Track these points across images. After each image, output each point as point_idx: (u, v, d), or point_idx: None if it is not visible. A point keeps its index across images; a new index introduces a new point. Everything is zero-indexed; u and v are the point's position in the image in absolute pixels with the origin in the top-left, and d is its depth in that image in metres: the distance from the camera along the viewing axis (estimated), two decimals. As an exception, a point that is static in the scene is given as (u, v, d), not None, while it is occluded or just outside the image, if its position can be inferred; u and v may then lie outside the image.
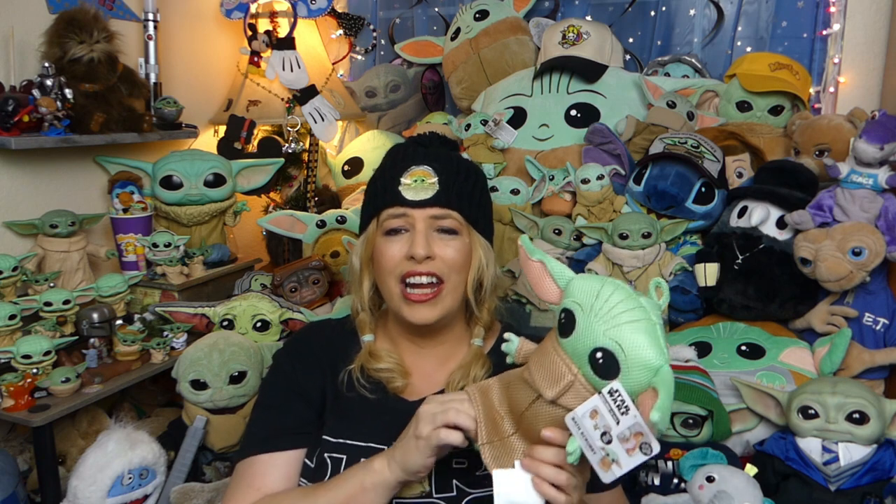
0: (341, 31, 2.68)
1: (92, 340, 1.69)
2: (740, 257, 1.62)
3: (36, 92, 1.78)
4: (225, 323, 1.81)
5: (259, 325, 1.80)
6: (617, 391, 0.75)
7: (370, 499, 0.93)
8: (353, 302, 1.15)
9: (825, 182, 1.65)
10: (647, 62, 2.32)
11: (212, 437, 1.62)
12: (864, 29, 2.07)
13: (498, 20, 2.33)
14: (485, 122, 2.09)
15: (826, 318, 1.55)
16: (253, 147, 2.43)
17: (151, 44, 2.26)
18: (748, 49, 2.22)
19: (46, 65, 1.80)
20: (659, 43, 2.33)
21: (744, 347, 1.54)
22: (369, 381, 1.08)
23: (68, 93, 1.82)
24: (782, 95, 1.95)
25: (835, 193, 1.55)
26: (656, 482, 1.32)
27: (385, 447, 1.02)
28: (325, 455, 1.05)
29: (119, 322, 1.74)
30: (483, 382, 0.92)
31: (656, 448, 0.75)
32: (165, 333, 1.78)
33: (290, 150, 2.45)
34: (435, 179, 1.05)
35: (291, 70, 2.42)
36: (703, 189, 1.75)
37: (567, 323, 0.80)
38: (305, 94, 2.43)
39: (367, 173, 2.43)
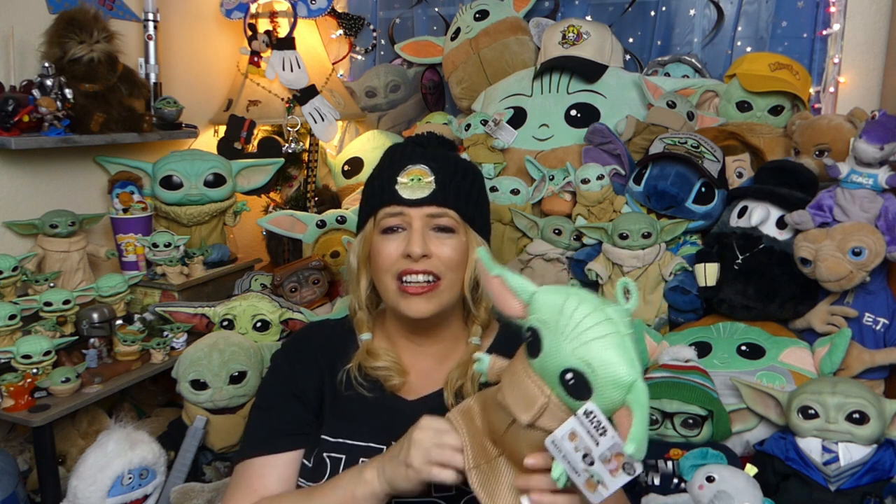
0: (341, 31, 2.68)
1: (92, 340, 1.69)
2: (740, 257, 1.62)
3: (36, 92, 1.78)
4: (225, 323, 1.81)
5: (259, 325, 1.80)
6: (592, 412, 0.72)
7: None
8: (351, 301, 1.15)
9: (825, 182, 1.65)
10: (647, 62, 2.32)
11: (212, 437, 1.62)
12: (864, 29, 2.07)
13: (498, 20, 2.33)
14: (485, 122, 2.09)
15: (826, 318, 1.55)
16: (253, 147, 2.43)
17: (151, 44, 2.26)
18: (748, 49, 2.22)
19: (46, 65, 1.80)
20: (659, 43, 2.33)
21: (744, 347, 1.54)
22: (367, 380, 1.09)
23: (68, 93, 1.82)
24: (782, 95, 1.95)
25: (835, 193, 1.55)
26: (656, 482, 1.32)
27: (384, 447, 1.03)
28: (324, 455, 1.05)
29: (119, 322, 1.74)
30: (464, 404, 0.89)
31: (639, 468, 0.74)
32: (165, 333, 1.78)
33: (290, 150, 2.45)
34: (431, 178, 1.06)
35: (291, 70, 2.42)
36: (703, 189, 1.75)
37: (534, 342, 0.77)
38: (305, 94, 2.43)
39: (366, 173, 2.39)
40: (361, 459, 1.03)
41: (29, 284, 1.78)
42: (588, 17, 2.39)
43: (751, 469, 1.22)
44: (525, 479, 0.80)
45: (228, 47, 2.63)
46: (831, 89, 2.10)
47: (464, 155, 2.01)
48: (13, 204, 1.88)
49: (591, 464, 0.73)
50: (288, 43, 2.44)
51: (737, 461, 1.32)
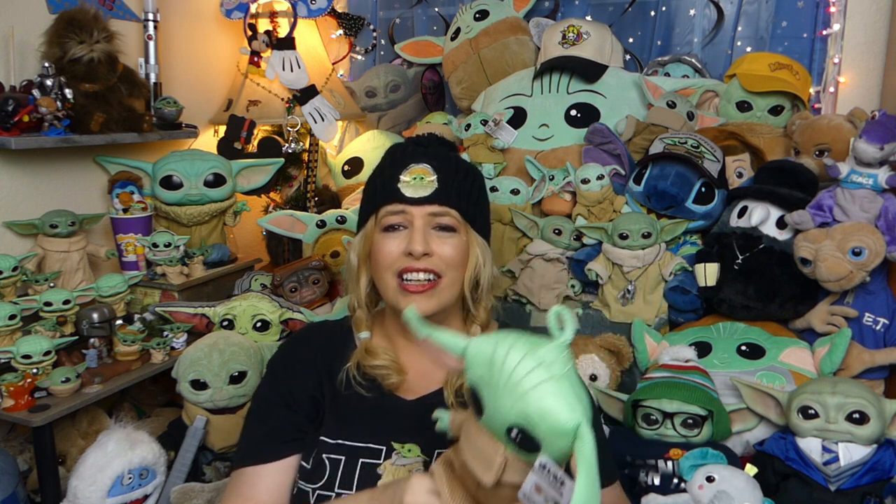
0: (341, 31, 2.68)
1: (92, 340, 1.69)
2: (740, 257, 1.62)
3: (36, 92, 1.78)
4: (225, 323, 1.81)
5: (259, 325, 1.80)
6: (545, 465, 0.70)
7: None
8: (351, 299, 1.15)
9: (825, 182, 1.65)
10: (647, 62, 2.32)
11: (212, 437, 1.62)
12: (864, 29, 2.07)
13: (498, 20, 2.33)
14: (485, 122, 2.09)
15: (826, 318, 1.55)
16: (253, 147, 2.43)
17: (151, 44, 2.27)
18: (748, 49, 2.22)
19: (46, 65, 1.80)
20: (659, 43, 2.33)
21: (744, 347, 1.54)
22: (365, 379, 1.09)
23: (68, 93, 1.82)
24: (782, 95, 1.95)
25: (835, 193, 1.55)
26: (656, 482, 1.32)
27: (383, 448, 1.03)
28: (324, 456, 1.05)
29: (119, 322, 1.74)
30: (445, 456, 0.85)
31: None
32: (165, 333, 1.78)
33: (290, 150, 2.45)
34: (434, 177, 1.06)
35: (291, 70, 2.42)
36: (703, 189, 1.75)
37: (476, 402, 0.75)
38: (305, 94, 2.43)
39: (367, 173, 2.42)
40: (361, 461, 1.04)
41: (29, 284, 1.78)
42: (588, 17, 2.39)
43: (751, 469, 1.22)
44: None
45: (228, 47, 2.63)
46: (831, 89, 2.10)
47: (464, 155, 2.01)
48: (13, 204, 1.89)
49: None
50: (288, 43, 2.44)
51: (737, 461, 1.32)
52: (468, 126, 2.11)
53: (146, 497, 1.43)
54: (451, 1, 2.59)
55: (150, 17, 2.25)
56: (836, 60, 2.10)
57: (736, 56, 2.19)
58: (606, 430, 1.47)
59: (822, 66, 2.13)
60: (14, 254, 1.75)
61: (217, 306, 1.84)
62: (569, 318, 0.74)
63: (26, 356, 1.52)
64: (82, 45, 1.89)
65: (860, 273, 1.46)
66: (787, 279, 1.57)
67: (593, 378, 1.59)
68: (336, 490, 1.03)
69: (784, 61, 1.99)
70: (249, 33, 2.47)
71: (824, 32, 2.12)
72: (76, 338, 1.68)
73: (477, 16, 2.37)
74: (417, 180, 1.06)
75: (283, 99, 2.46)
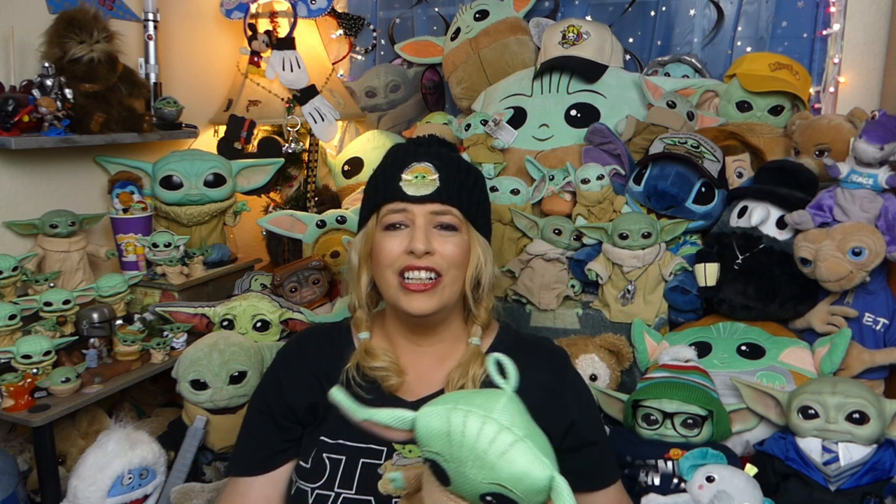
0: (341, 31, 2.68)
1: (92, 340, 1.69)
2: (740, 257, 1.62)
3: (36, 92, 1.78)
4: (225, 323, 1.81)
5: (259, 325, 1.80)
6: None
7: None
8: (351, 298, 1.15)
9: (825, 182, 1.65)
10: (647, 62, 2.32)
11: (212, 437, 1.62)
12: (864, 29, 2.07)
13: (498, 20, 2.33)
14: (485, 122, 2.09)
15: (826, 318, 1.55)
16: (253, 147, 2.43)
17: (151, 44, 2.26)
18: (748, 49, 2.22)
19: (46, 65, 1.80)
20: (659, 43, 2.33)
21: (744, 347, 1.54)
22: (365, 380, 1.09)
23: (68, 93, 1.82)
24: (782, 95, 1.95)
25: (835, 193, 1.55)
26: (656, 482, 1.32)
27: (384, 448, 1.03)
28: (324, 455, 1.05)
29: (119, 322, 1.74)
30: None
31: None
32: (165, 333, 1.78)
33: (290, 150, 2.45)
34: (436, 176, 1.06)
35: (291, 70, 2.42)
36: (703, 189, 1.75)
37: (439, 473, 0.73)
38: (305, 94, 2.43)
39: (367, 173, 2.42)
40: (362, 461, 1.04)
41: (29, 284, 1.78)
42: (588, 17, 2.39)
43: (751, 469, 1.22)
44: None
45: (228, 47, 2.63)
46: (831, 89, 2.10)
47: (464, 155, 2.01)
48: (13, 204, 1.88)
49: None
50: (288, 43, 2.44)
51: (737, 461, 1.32)
52: (468, 126, 2.11)
53: (146, 497, 1.43)
54: (451, 1, 2.59)
55: (150, 17, 2.25)
56: (836, 60, 2.10)
57: (736, 56, 2.19)
58: (606, 429, 1.47)
59: (822, 66, 2.13)
60: (14, 254, 1.75)
61: (217, 306, 1.84)
62: (509, 365, 0.75)
63: (26, 356, 1.52)
64: (82, 45, 1.89)
65: (860, 273, 1.46)
66: (787, 279, 1.57)
67: (593, 378, 1.59)
68: (336, 490, 1.03)
69: (784, 61, 1.99)
70: (249, 33, 2.47)
71: (824, 32, 2.12)
72: (76, 338, 1.68)
73: (477, 16, 2.37)
74: (419, 179, 1.06)
75: (283, 99, 2.46)
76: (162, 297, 1.98)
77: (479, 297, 1.12)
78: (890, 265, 1.53)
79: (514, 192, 1.97)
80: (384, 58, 2.72)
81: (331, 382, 1.10)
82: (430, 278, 1.04)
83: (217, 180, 2.17)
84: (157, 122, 2.18)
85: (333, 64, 2.66)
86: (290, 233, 2.13)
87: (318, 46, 2.63)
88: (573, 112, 2.11)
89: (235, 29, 2.59)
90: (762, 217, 1.63)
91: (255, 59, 2.45)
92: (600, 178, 1.85)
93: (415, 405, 1.08)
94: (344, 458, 1.04)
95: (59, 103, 1.80)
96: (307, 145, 2.52)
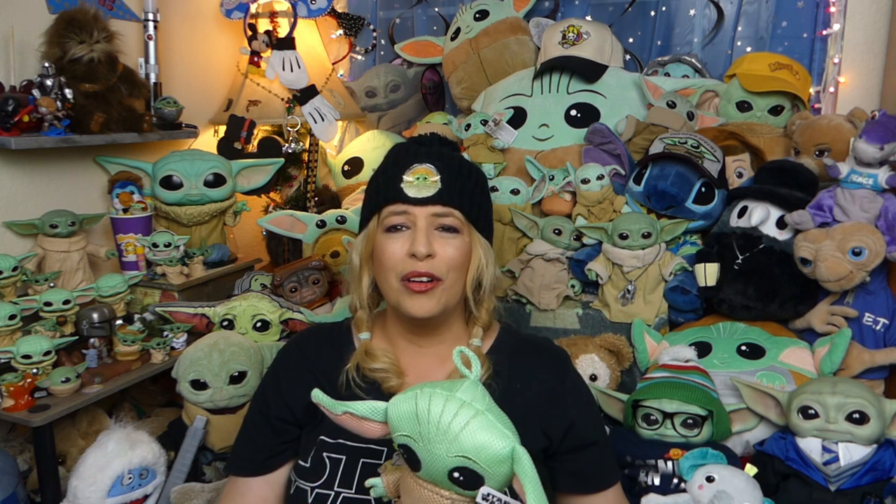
0: (341, 31, 2.68)
1: (92, 340, 1.69)
2: (740, 257, 1.62)
3: (36, 92, 1.78)
4: (225, 323, 1.81)
5: (259, 325, 1.80)
6: (488, 494, 0.75)
7: None
8: (352, 299, 1.15)
9: (825, 182, 1.65)
10: (647, 62, 2.32)
11: (212, 437, 1.62)
12: (864, 29, 2.07)
13: (498, 20, 2.33)
14: (485, 122, 2.09)
15: (826, 318, 1.55)
16: (253, 147, 2.43)
17: (151, 44, 2.26)
18: (748, 49, 2.22)
19: (46, 65, 1.80)
20: (659, 43, 2.33)
21: (744, 347, 1.54)
22: (365, 381, 1.09)
23: (68, 93, 1.82)
24: (782, 95, 1.95)
25: (835, 193, 1.55)
26: (656, 482, 1.32)
27: (384, 449, 1.03)
28: (324, 455, 1.05)
29: (119, 322, 1.74)
30: None
31: None
32: (165, 333, 1.78)
33: (290, 150, 2.45)
34: (437, 178, 1.05)
35: (291, 70, 2.42)
36: (703, 189, 1.75)
37: (410, 458, 0.79)
38: (305, 94, 2.43)
39: (367, 173, 2.43)
40: (362, 460, 1.04)
41: (29, 284, 1.78)
42: (588, 17, 2.39)
43: (751, 469, 1.22)
44: None
45: (228, 47, 2.63)
46: (831, 89, 2.10)
47: (464, 155, 2.01)
48: (13, 204, 1.88)
49: None
50: (288, 43, 2.44)
51: (737, 461, 1.32)
52: (468, 126, 2.11)
53: (146, 497, 1.43)
54: (451, 1, 2.59)
55: (150, 17, 2.25)
56: (836, 60, 2.10)
57: (736, 56, 2.19)
58: (607, 430, 1.47)
59: (822, 66, 2.13)
60: (14, 254, 1.75)
61: (217, 306, 1.84)
62: (473, 357, 0.81)
63: (26, 356, 1.52)
64: (82, 45, 1.89)
65: (860, 273, 1.46)
66: (787, 279, 1.57)
67: (593, 378, 1.59)
68: (335, 489, 1.03)
69: (784, 61, 1.99)
70: (249, 33, 2.47)
71: (824, 32, 2.12)
72: (76, 338, 1.68)
73: (477, 16, 2.37)
74: (420, 180, 1.05)
75: (283, 99, 2.46)
76: (162, 297, 1.98)
77: (481, 298, 1.12)
78: (890, 265, 1.53)
79: (514, 192, 1.97)
80: (384, 58, 2.72)
81: (331, 383, 1.10)
82: (431, 279, 1.04)
83: (217, 180, 2.17)
84: (157, 122, 2.18)
85: (333, 64, 2.66)
86: (290, 233, 2.13)
87: (318, 46, 2.63)
88: (573, 112, 2.11)
89: (235, 29, 2.59)
90: (762, 217, 1.63)
91: (255, 59, 2.45)
92: (600, 178, 1.85)
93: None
94: (344, 457, 1.04)
95: (59, 103, 1.80)
96: (307, 145, 2.52)
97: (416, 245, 1.02)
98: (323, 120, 2.43)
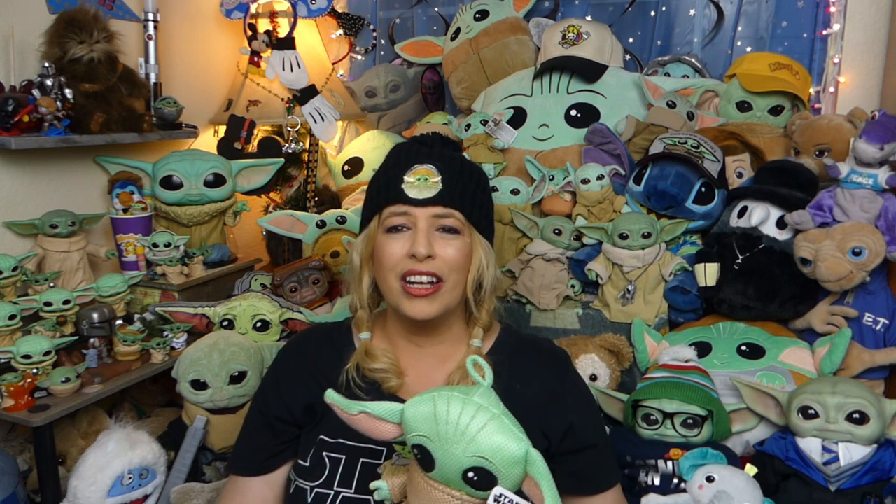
0: (341, 31, 2.68)
1: (92, 340, 1.69)
2: (740, 257, 1.62)
3: (36, 92, 1.78)
4: (225, 323, 1.81)
5: (259, 325, 1.80)
6: (501, 495, 0.78)
7: None
8: (352, 299, 1.15)
9: (825, 182, 1.65)
10: (647, 62, 2.32)
11: (212, 437, 1.62)
12: (864, 29, 2.07)
13: (498, 20, 2.33)
14: (485, 122, 2.09)
15: (826, 318, 1.55)
16: (253, 147, 2.43)
17: (151, 44, 2.26)
18: (748, 49, 2.22)
19: (46, 65, 1.80)
20: (659, 43, 2.33)
21: (744, 347, 1.54)
22: (365, 381, 1.09)
23: (68, 93, 1.82)
24: (782, 95, 1.95)
25: (835, 193, 1.55)
26: (656, 482, 1.32)
27: (384, 449, 1.04)
28: (323, 454, 1.05)
29: (119, 322, 1.74)
30: None
31: None
32: (165, 333, 1.78)
33: (290, 150, 2.45)
34: (438, 178, 1.05)
35: (291, 70, 2.42)
36: (703, 189, 1.75)
37: (424, 458, 0.81)
38: (305, 94, 2.43)
39: (367, 173, 2.43)
40: (362, 460, 1.04)
41: (29, 284, 1.78)
42: (588, 17, 2.39)
43: (751, 469, 1.22)
44: None
45: (228, 47, 2.63)
46: (831, 89, 2.10)
47: (465, 155, 2.01)
48: (13, 204, 1.88)
49: None
50: (288, 43, 2.44)
51: (737, 461, 1.32)
52: (468, 126, 2.11)
53: (146, 497, 1.43)
54: (451, 1, 2.59)
55: (150, 17, 2.25)
56: (836, 60, 2.10)
57: (736, 56, 2.19)
58: (607, 430, 1.47)
59: (822, 66, 2.13)
60: (14, 254, 1.75)
61: (217, 306, 1.84)
62: (485, 366, 0.84)
63: (26, 356, 1.52)
64: (82, 45, 1.89)
65: (860, 273, 1.46)
66: (787, 279, 1.57)
67: (593, 378, 1.59)
68: (335, 488, 1.03)
69: (784, 61, 1.99)
70: (249, 33, 2.47)
71: (824, 32, 2.12)
72: (76, 338, 1.67)
73: (477, 16, 2.37)
74: (421, 181, 1.05)
75: (283, 99, 2.46)
76: (162, 297, 1.98)
77: (481, 299, 1.12)
78: (890, 265, 1.53)
79: (514, 192, 1.97)
80: (384, 58, 2.72)
81: (330, 383, 1.10)
82: (432, 282, 1.04)
83: (217, 180, 2.17)
84: (157, 122, 2.18)
85: (333, 64, 2.66)
86: (290, 233, 2.13)
87: (318, 46, 2.63)
88: (573, 112, 2.11)
89: (235, 29, 2.59)
90: (762, 217, 1.63)
91: (255, 59, 2.45)
92: (600, 178, 1.85)
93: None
94: (344, 457, 1.04)
95: (59, 103, 1.80)
96: (307, 145, 2.52)
97: (416, 246, 1.02)
98: (323, 120, 2.43)
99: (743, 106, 1.98)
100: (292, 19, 2.47)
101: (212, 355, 1.59)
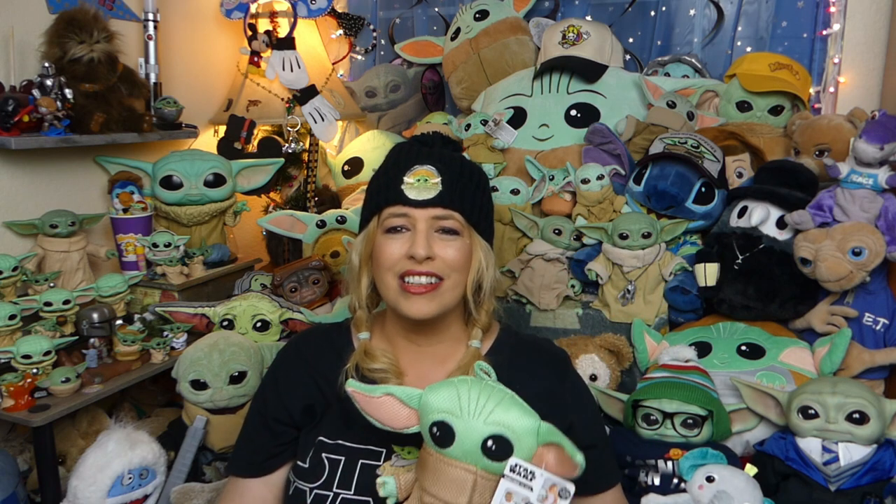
0: (341, 31, 2.68)
1: (92, 340, 1.69)
2: (740, 257, 1.62)
3: (36, 92, 1.78)
4: (225, 323, 1.81)
5: (259, 325, 1.80)
6: (517, 465, 0.84)
7: None
8: (351, 299, 1.15)
9: (825, 182, 1.65)
10: (647, 62, 2.32)
11: (212, 437, 1.62)
12: (864, 29, 2.07)
13: (498, 20, 2.33)
14: (485, 122, 2.09)
15: (826, 318, 1.55)
16: (253, 147, 2.43)
17: (151, 44, 2.26)
18: (748, 49, 2.22)
19: (46, 65, 1.80)
20: (659, 43, 2.33)
21: (744, 347, 1.54)
22: (364, 381, 1.09)
23: (68, 93, 1.82)
24: (782, 95, 1.95)
25: (835, 193, 1.55)
26: (656, 482, 1.32)
27: (383, 450, 1.03)
28: (323, 455, 1.05)
29: (119, 322, 1.74)
30: None
31: (571, 487, 0.85)
32: (165, 333, 1.78)
33: (290, 150, 2.45)
34: (438, 179, 1.05)
35: (291, 70, 2.42)
36: (703, 189, 1.75)
37: (444, 434, 0.86)
38: (305, 94, 2.43)
39: (367, 173, 2.43)
40: (361, 462, 1.03)
41: (29, 284, 1.78)
42: (588, 17, 2.39)
43: (751, 469, 1.22)
44: None
45: (228, 47, 2.63)
46: (831, 89, 2.10)
47: (465, 155, 2.01)
48: (13, 204, 1.88)
49: None
50: (288, 43, 2.44)
51: (737, 461, 1.32)
52: (468, 126, 2.11)
53: (146, 497, 1.43)
54: (451, 1, 2.59)
55: (150, 17, 2.25)
56: (836, 60, 2.10)
57: (736, 56, 2.19)
58: (607, 430, 1.47)
59: (822, 66, 2.13)
60: (14, 254, 1.75)
61: (217, 306, 1.84)
62: (491, 371, 0.95)
63: (26, 356, 1.52)
64: (82, 45, 1.89)
65: (860, 273, 1.46)
66: (787, 279, 1.57)
67: (593, 378, 1.59)
68: (334, 490, 1.03)
69: (784, 61, 1.99)
70: (249, 33, 2.47)
71: (824, 32, 2.12)
72: (76, 338, 1.67)
73: (477, 16, 2.36)
74: (421, 182, 1.05)
75: (283, 99, 2.46)
76: (162, 297, 1.98)
77: (480, 300, 1.11)
78: (890, 265, 1.53)
79: (514, 192, 1.97)
80: (384, 58, 2.72)
81: (329, 384, 1.10)
82: (431, 282, 1.04)
83: (217, 180, 2.17)
84: (157, 122, 2.18)
85: (333, 64, 2.66)
86: (290, 233, 2.13)
87: (318, 46, 2.63)
88: (573, 112, 2.11)
89: (235, 29, 2.59)
90: (762, 217, 1.63)
91: (255, 59, 2.45)
92: (600, 178, 1.85)
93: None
94: (343, 458, 1.04)
95: (59, 103, 1.80)
96: (307, 145, 2.52)
97: (415, 247, 1.02)
98: (323, 120, 2.43)
99: (743, 106, 1.98)
100: (292, 19, 2.47)
101: (212, 355, 1.59)
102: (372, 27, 2.70)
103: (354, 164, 2.50)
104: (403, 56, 2.59)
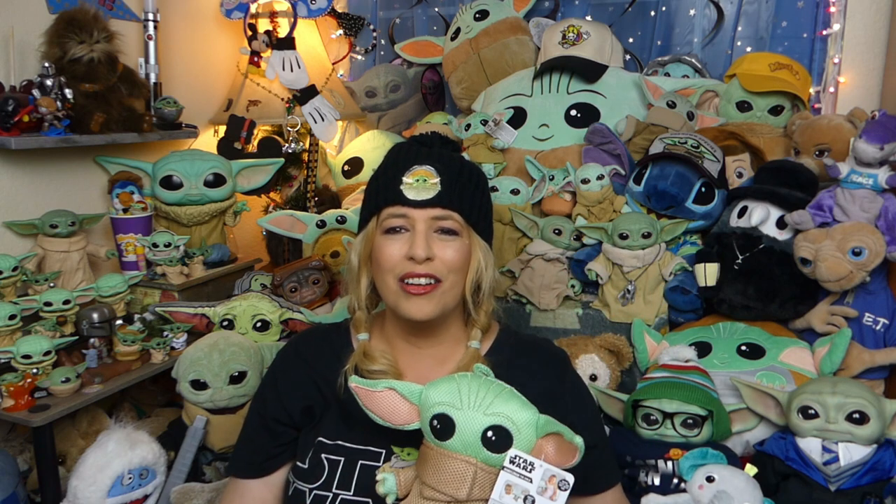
0: (341, 31, 2.68)
1: (92, 340, 1.69)
2: (740, 257, 1.62)
3: (36, 92, 1.78)
4: (225, 323, 1.81)
5: (259, 325, 1.80)
6: (516, 456, 0.85)
7: None
8: (351, 300, 1.15)
9: (825, 182, 1.65)
10: (647, 62, 2.32)
11: (212, 437, 1.62)
12: (864, 29, 2.07)
13: (498, 20, 2.33)
14: (485, 122, 2.09)
15: (826, 318, 1.55)
16: (253, 147, 2.43)
17: (151, 44, 2.26)
18: (748, 49, 2.22)
19: (46, 65, 1.80)
20: (659, 43, 2.33)
21: (744, 347, 1.54)
22: None
23: (68, 93, 1.82)
24: (782, 95, 1.95)
25: (835, 193, 1.55)
26: (656, 482, 1.32)
27: (382, 451, 1.03)
28: (322, 456, 1.05)
29: (119, 322, 1.74)
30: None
31: (570, 479, 0.85)
32: (165, 333, 1.78)
33: (290, 150, 2.45)
34: (437, 180, 1.05)
35: (291, 70, 2.42)
36: (703, 189, 1.75)
37: (444, 426, 0.87)
38: (305, 94, 2.43)
39: (367, 173, 2.43)
40: (360, 462, 1.03)
41: (29, 284, 1.78)
42: (588, 17, 2.39)
43: (751, 469, 1.22)
44: None
45: (228, 47, 2.63)
46: (831, 89, 2.10)
47: (465, 155, 2.01)
48: (13, 204, 1.88)
49: (533, 502, 0.85)
50: (288, 43, 2.44)
51: (737, 461, 1.32)
52: (468, 126, 2.11)
53: (146, 497, 1.43)
54: (451, 1, 2.59)
55: (150, 17, 2.25)
56: (836, 60, 2.10)
57: (736, 56, 2.19)
58: (606, 429, 1.47)
59: (822, 66, 2.13)
60: (14, 254, 1.75)
61: (217, 306, 1.84)
62: (487, 370, 0.96)
63: (26, 356, 1.52)
64: (82, 45, 1.89)
65: (860, 273, 1.46)
66: (787, 279, 1.57)
67: (593, 378, 1.59)
68: (334, 490, 1.03)
69: (784, 61, 1.99)
70: (249, 33, 2.47)
71: (824, 32, 2.12)
72: (76, 338, 1.67)
73: (477, 16, 2.36)
74: (420, 182, 1.05)
75: (283, 99, 2.46)
76: (162, 297, 1.98)
77: (480, 301, 1.11)
78: (890, 265, 1.53)
79: (514, 192, 1.97)
80: (384, 58, 2.72)
81: (329, 384, 1.10)
82: (430, 283, 1.04)
83: (217, 180, 2.17)
84: (157, 122, 2.18)
85: (333, 64, 2.66)
86: (290, 233, 2.13)
87: (318, 46, 2.63)
88: (573, 112, 2.11)
89: (235, 29, 2.59)
90: (762, 217, 1.63)
91: (255, 59, 2.45)
92: (600, 178, 1.85)
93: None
94: (342, 459, 1.04)
95: (59, 103, 1.80)
96: (307, 145, 2.52)
97: (414, 248, 1.02)
98: (323, 120, 2.43)
99: (743, 106, 1.98)
100: (292, 19, 2.47)
101: (212, 355, 1.59)
102: (372, 27, 2.70)
103: (354, 164, 2.50)
104: (403, 56, 2.59)
